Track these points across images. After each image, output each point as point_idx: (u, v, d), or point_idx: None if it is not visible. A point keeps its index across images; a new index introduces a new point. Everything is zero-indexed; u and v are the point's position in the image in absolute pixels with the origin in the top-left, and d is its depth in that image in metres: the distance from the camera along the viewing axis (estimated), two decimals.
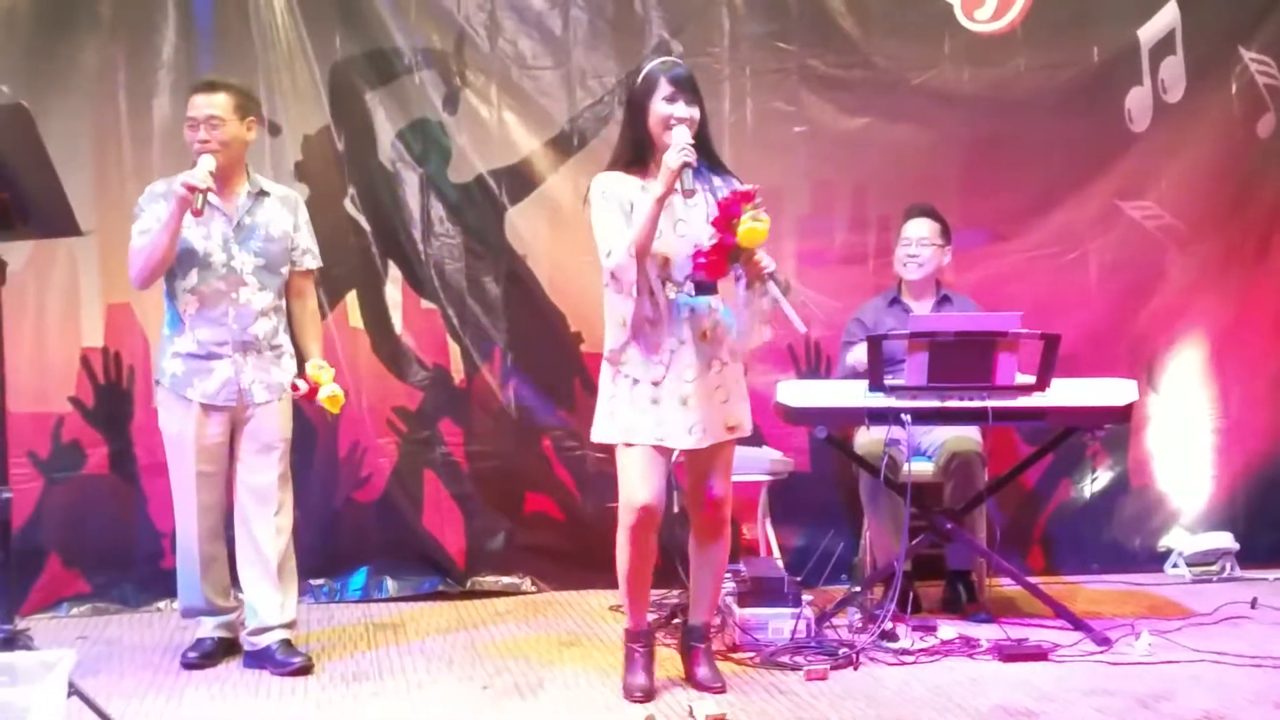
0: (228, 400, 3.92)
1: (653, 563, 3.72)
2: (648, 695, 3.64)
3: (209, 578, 4.02)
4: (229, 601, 4.10)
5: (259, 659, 3.98)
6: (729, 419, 3.63)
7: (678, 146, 3.45)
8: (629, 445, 3.58)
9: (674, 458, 3.71)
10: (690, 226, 3.57)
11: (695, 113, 3.53)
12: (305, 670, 3.93)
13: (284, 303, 4.05)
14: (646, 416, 3.56)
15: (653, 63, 3.63)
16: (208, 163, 3.79)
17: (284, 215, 4.02)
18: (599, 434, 3.66)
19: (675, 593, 4.50)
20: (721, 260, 3.51)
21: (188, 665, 3.99)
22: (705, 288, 3.59)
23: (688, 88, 3.54)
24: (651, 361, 3.55)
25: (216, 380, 3.91)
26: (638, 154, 3.60)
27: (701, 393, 3.57)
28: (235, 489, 3.99)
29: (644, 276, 3.50)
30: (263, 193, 4.00)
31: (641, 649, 3.73)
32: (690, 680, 3.75)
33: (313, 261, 4.10)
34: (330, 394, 3.95)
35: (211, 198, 3.82)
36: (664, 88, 3.53)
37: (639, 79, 3.62)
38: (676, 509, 4.24)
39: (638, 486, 3.59)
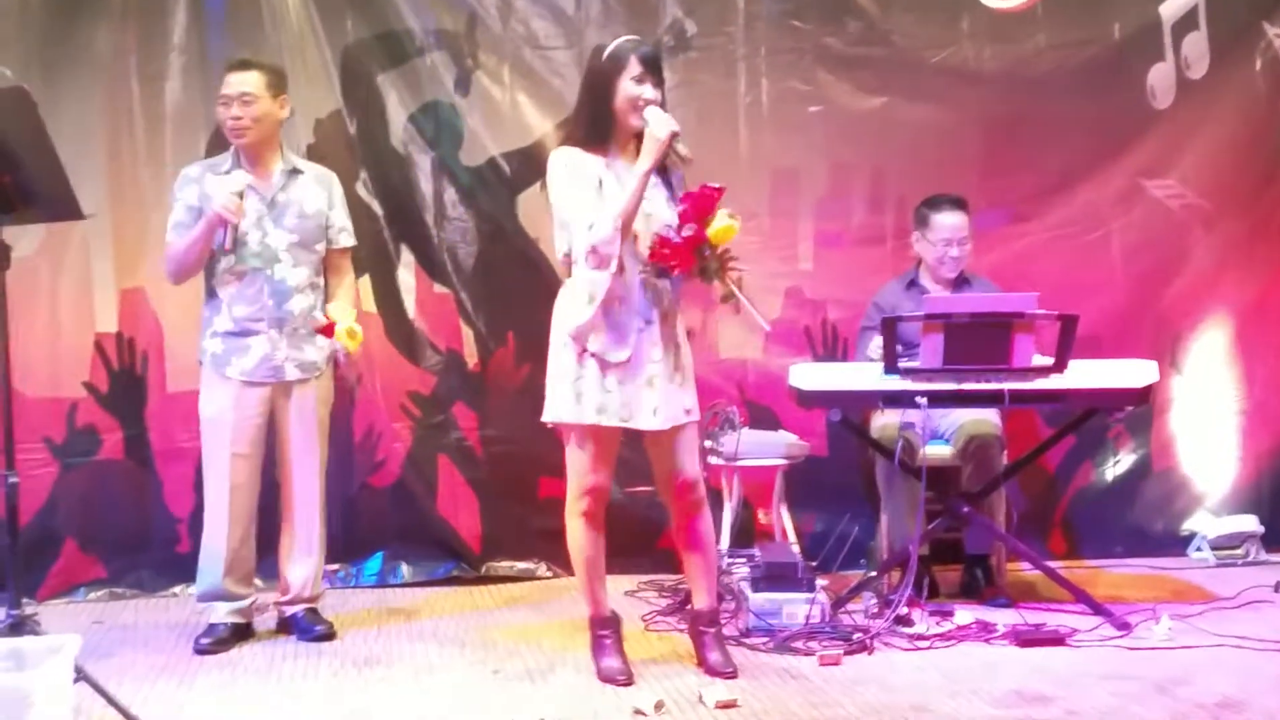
0: (266, 376, 3.97)
1: (604, 545, 3.69)
2: (629, 677, 3.62)
3: (234, 564, 4.02)
4: (248, 589, 4.11)
5: (285, 625, 4.12)
6: (685, 402, 3.61)
7: (661, 119, 3.42)
8: (593, 426, 3.52)
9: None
10: (653, 206, 3.53)
11: (659, 95, 3.49)
12: (329, 637, 4.07)
13: (321, 281, 4.08)
14: (613, 397, 3.52)
15: (619, 40, 3.57)
16: (238, 183, 3.84)
17: (318, 193, 4.06)
18: (562, 414, 3.56)
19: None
20: (688, 254, 3.47)
21: (200, 651, 3.99)
22: (663, 270, 3.55)
23: (656, 68, 3.51)
24: (617, 341, 3.51)
25: (254, 357, 3.96)
26: (597, 131, 3.54)
27: (664, 374, 3.54)
28: (284, 469, 4.06)
29: (622, 252, 3.46)
30: (296, 170, 4.05)
31: (610, 634, 3.72)
32: (702, 665, 3.72)
33: (348, 239, 4.14)
34: (348, 327, 3.95)
35: (244, 175, 3.91)
36: (634, 67, 3.48)
37: (604, 55, 3.53)
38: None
39: (590, 470, 3.58)
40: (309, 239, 4.02)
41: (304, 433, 4.05)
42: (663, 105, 3.52)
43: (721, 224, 3.44)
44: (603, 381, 3.52)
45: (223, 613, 4.07)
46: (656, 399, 3.53)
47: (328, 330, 3.99)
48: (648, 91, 3.47)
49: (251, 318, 3.96)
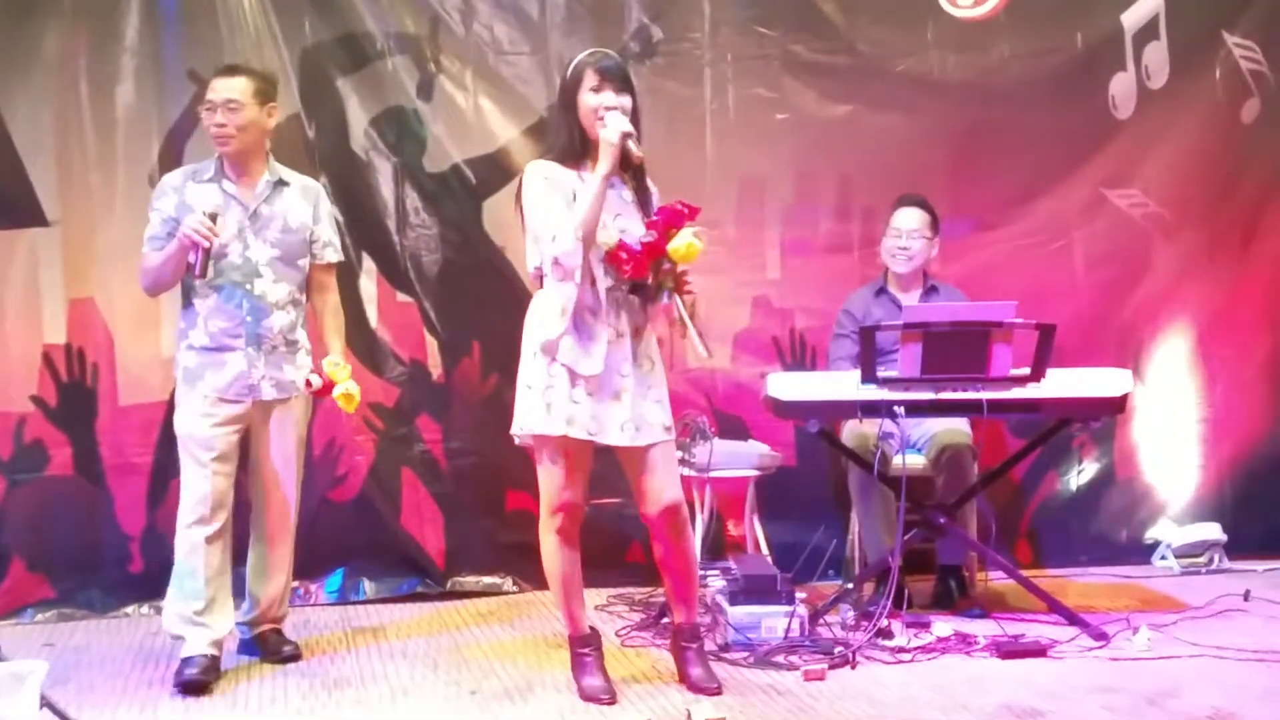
0: (239, 395, 3.79)
1: (579, 563, 3.61)
2: (612, 696, 3.55)
3: (210, 590, 3.78)
4: (220, 619, 3.82)
5: (249, 646, 3.97)
6: (664, 419, 3.54)
7: (615, 121, 3.38)
8: (563, 439, 3.46)
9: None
10: (628, 221, 3.49)
11: (626, 101, 3.44)
12: (295, 657, 3.95)
13: (304, 297, 3.93)
14: (582, 409, 3.45)
15: (579, 55, 3.54)
16: (210, 204, 3.67)
17: (303, 206, 3.91)
18: (531, 425, 3.48)
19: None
20: (644, 262, 3.41)
21: (186, 686, 3.69)
22: (638, 285, 3.48)
23: (615, 76, 3.46)
24: (588, 352, 3.44)
25: (228, 374, 3.79)
26: (571, 149, 3.51)
27: (636, 389, 3.47)
28: (259, 487, 3.92)
29: (587, 263, 3.41)
30: (282, 182, 3.89)
31: (590, 652, 3.64)
32: (684, 682, 3.65)
33: (334, 255, 4.00)
34: (344, 391, 3.84)
35: (227, 185, 3.78)
36: (590, 78, 3.45)
37: (568, 73, 3.52)
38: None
39: (563, 486, 3.50)
40: (292, 254, 3.86)
41: (281, 452, 3.89)
42: (634, 111, 3.46)
43: (684, 240, 3.38)
44: (571, 393, 3.45)
45: (202, 644, 3.77)
46: (626, 413, 3.46)
47: (323, 391, 3.85)
48: (607, 99, 3.43)
49: (229, 333, 3.79)
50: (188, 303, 3.84)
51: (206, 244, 3.63)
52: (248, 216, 3.81)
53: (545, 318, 3.49)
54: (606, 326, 3.46)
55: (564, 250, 3.39)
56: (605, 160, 3.39)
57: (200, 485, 3.78)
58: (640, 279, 3.44)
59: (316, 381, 3.86)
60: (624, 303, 3.49)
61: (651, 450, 3.51)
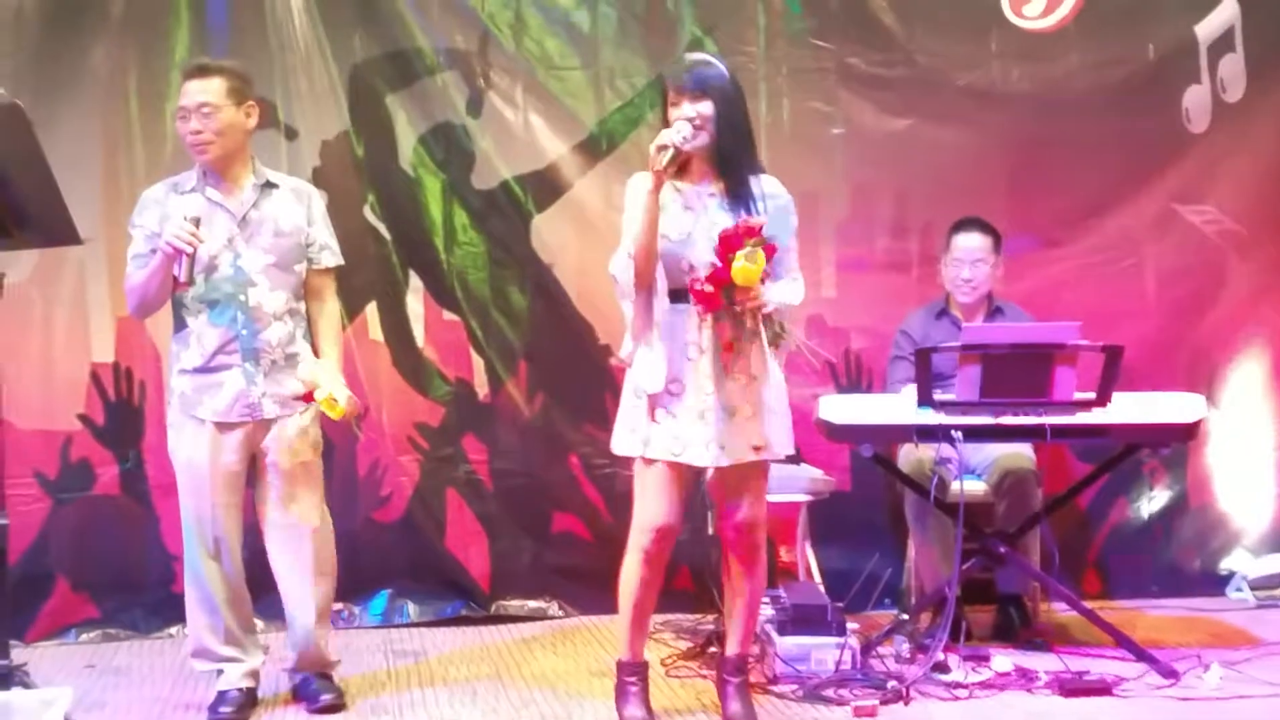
0: (242, 416, 3.57)
1: (658, 590, 3.51)
2: None
3: (228, 622, 3.64)
4: (249, 650, 3.70)
5: (294, 691, 3.78)
6: (755, 438, 3.39)
7: (662, 135, 3.28)
8: (647, 460, 3.37)
9: (707, 476, 3.49)
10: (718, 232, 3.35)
11: (701, 108, 3.32)
12: (335, 708, 3.68)
13: (301, 306, 3.70)
14: (663, 429, 3.35)
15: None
16: (191, 209, 3.45)
17: (295, 208, 3.66)
18: (618, 445, 3.46)
19: (710, 618, 4.28)
20: (716, 292, 3.30)
21: None
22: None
23: (689, 85, 3.34)
24: (651, 370, 3.34)
25: (227, 394, 3.57)
26: (682, 163, 3.39)
27: (721, 407, 3.34)
28: (264, 525, 3.67)
29: (652, 279, 3.32)
30: (270, 184, 3.65)
31: (637, 682, 3.52)
32: (723, 715, 3.51)
33: (331, 259, 3.73)
34: (326, 396, 3.53)
35: (212, 193, 3.59)
36: (670, 94, 3.38)
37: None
38: (711, 531, 4.03)
39: (653, 505, 3.40)
40: (286, 259, 3.62)
41: (288, 473, 3.63)
42: (725, 119, 3.32)
43: (739, 265, 3.24)
44: (652, 414, 3.36)
45: (236, 676, 3.65)
46: (710, 433, 3.33)
47: (306, 398, 3.60)
48: (684, 111, 3.33)
49: (223, 350, 3.56)
50: (180, 325, 3.62)
51: (190, 250, 3.38)
52: (236, 224, 3.58)
53: (627, 336, 3.44)
54: (679, 343, 3.35)
55: (618, 267, 3.32)
56: (650, 176, 3.28)
57: (203, 521, 3.59)
58: (716, 309, 3.33)
59: (298, 386, 3.60)
60: (703, 319, 3.36)
61: (736, 469, 3.39)
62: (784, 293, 3.42)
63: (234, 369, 3.58)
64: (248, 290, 3.58)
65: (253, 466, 3.66)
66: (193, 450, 3.60)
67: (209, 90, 3.54)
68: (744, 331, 3.38)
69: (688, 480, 3.43)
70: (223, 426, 3.59)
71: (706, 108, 3.32)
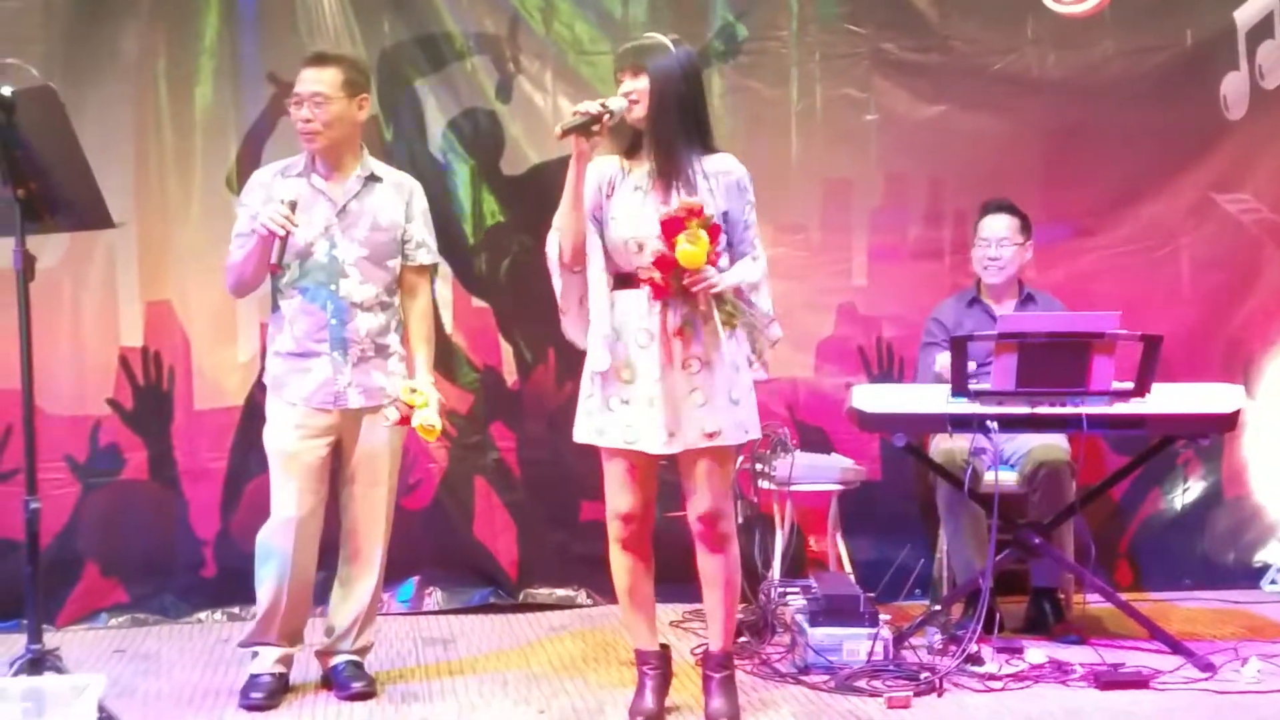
0: (324, 403, 3.59)
1: (650, 575, 3.48)
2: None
3: (292, 611, 3.65)
4: (298, 640, 3.74)
5: (325, 678, 3.77)
6: (707, 424, 3.31)
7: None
8: (604, 449, 3.35)
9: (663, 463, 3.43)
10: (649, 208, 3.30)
11: (638, 84, 3.26)
12: (365, 696, 3.67)
13: (395, 300, 3.69)
14: (616, 418, 3.31)
15: None
16: (288, 193, 3.46)
17: (395, 203, 3.66)
18: (578, 433, 3.41)
19: (741, 607, 4.23)
20: (665, 277, 3.24)
21: (250, 707, 3.59)
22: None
23: (625, 62, 3.32)
24: (601, 353, 3.30)
25: (313, 380, 3.59)
26: (635, 142, 3.36)
27: (670, 394, 3.28)
28: (344, 511, 3.70)
29: (583, 254, 3.31)
30: (374, 177, 3.66)
31: (651, 670, 3.47)
32: (705, 712, 3.44)
33: (427, 256, 3.74)
34: (421, 423, 3.50)
35: (317, 180, 3.61)
36: (615, 72, 3.36)
37: None
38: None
39: (616, 494, 3.39)
40: (380, 254, 3.63)
41: (370, 465, 3.66)
42: (662, 93, 3.24)
43: (681, 248, 3.18)
44: (606, 401, 3.33)
45: (270, 661, 3.67)
46: (661, 419, 3.28)
47: (403, 422, 3.55)
48: (624, 86, 3.29)
49: (313, 337, 3.58)
50: (275, 307, 3.66)
51: (283, 233, 3.40)
52: (335, 213, 3.60)
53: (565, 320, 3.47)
54: (631, 329, 3.29)
55: (548, 244, 3.35)
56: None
57: (286, 504, 3.60)
58: (666, 296, 3.27)
59: (394, 415, 3.55)
60: (656, 303, 3.29)
61: (689, 456, 3.34)
62: (740, 272, 3.34)
63: (322, 356, 3.61)
64: (339, 280, 3.60)
65: (338, 452, 3.67)
66: (279, 435, 3.63)
67: (323, 80, 3.55)
68: (696, 315, 3.31)
69: (644, 467, 3.37)
70: (308, 412, 3.61)
71: (642, 83, 3.27)
